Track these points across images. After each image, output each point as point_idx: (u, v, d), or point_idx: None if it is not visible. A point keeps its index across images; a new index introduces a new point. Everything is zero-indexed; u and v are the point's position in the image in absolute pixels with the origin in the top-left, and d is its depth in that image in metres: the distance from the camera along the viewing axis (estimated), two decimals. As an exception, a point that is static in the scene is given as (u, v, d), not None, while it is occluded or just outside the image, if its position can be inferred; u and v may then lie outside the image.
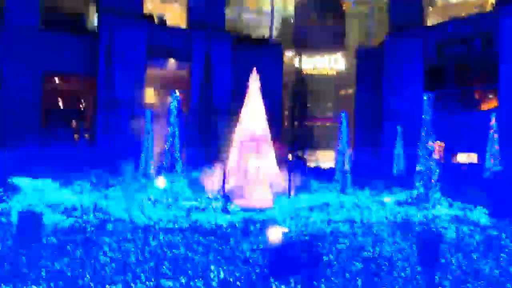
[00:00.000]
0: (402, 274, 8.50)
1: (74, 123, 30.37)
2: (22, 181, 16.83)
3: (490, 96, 24.65)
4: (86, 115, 30.46)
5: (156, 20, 30.37)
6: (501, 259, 9.55)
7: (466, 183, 19.18)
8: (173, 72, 30.69)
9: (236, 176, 17.61)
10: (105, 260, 8.69)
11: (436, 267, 8.81)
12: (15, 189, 15.75)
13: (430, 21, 29.81)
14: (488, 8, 26.53)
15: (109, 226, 11.65)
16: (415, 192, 16.89)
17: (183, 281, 7.68)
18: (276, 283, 7.67)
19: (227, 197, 15.44)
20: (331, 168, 24.17)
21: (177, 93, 21.72)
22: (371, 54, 32.99)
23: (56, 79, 30.00)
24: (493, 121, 20.56)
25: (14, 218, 10.65)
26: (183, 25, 31.01)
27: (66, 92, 30.62)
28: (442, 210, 15.37)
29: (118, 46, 27.32)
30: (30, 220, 9.60)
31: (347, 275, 8.30)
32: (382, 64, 30.26)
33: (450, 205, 16.04)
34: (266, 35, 36.28)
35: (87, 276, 7.70)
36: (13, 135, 24.96)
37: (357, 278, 8.15)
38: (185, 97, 28.88)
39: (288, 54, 39.36)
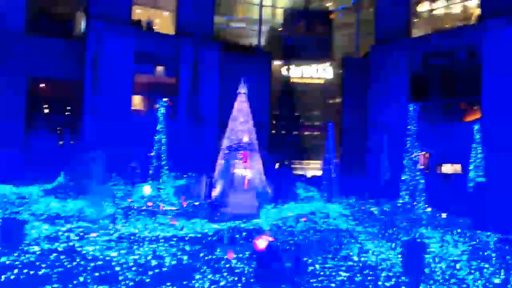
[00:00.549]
0: (387, 283, 8.55)
1: (59, 129, 29.97)
2: (5, 188, 16.54)
3: (475, 107, 25.03)
4: (72, 121, 30.10)
5: (144, 27, 30.29)
6: (485, 270, 9.67)
7: (450, 193, 19.39)
8: (161, 79, 30.56)
9: (223, 184, 17.55)
10: (88, 269, 8.57)
11: (421, 276, 8.89)
12: (-3, 196, 15.46)
13: (416, 33, 30.23)
14: (473, 21, 27.01)
15: (93, 235, 11.49)
16: (400, 202, 17.06)
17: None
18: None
19: (213, 205, 15.39)
20: (318, 177, 24.27)
21: (165, 100, 21.70)
22: (358, 64, 33.27)
23: (42, 84, 29.64)
24: (476, 132, 20.91)
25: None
26: (171, 32, 30.98)
27: (51, 97, 30.23)
28: (426, 220, 15.51)
29: (106, 52, 27.13)
30: (13, 228, 9.45)
31: (333, 284, 8.32)
32: (368, 74, 30.54)
33: (434, 215, 16.20)
34: (255, 43, 36.45)
35: (69, 286, 7.58)
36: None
37: (343, 287, 8.18)
38: (173, 104, 28.77)
39: (276, 62, 39.53)
